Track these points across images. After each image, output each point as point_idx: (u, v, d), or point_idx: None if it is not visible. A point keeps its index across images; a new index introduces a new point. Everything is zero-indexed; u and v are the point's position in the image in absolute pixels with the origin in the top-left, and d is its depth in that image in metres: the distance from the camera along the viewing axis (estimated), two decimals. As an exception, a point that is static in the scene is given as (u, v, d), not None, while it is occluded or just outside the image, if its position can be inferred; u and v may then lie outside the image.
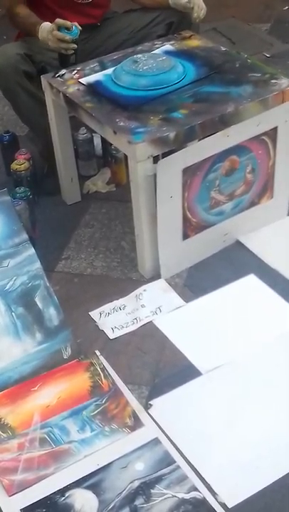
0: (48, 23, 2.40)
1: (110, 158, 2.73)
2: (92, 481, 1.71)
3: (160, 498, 1.66)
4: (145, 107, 2.19)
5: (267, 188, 2.38)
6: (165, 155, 2.10)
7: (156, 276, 2.29)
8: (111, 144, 2.59)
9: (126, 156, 2.36)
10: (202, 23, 2.79)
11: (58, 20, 2.36)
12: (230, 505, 1.64)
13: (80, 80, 2.36)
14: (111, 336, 2.11)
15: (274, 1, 4.20)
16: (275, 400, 1.87)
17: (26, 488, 1.71)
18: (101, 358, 2.02)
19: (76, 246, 2.49)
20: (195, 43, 2.53)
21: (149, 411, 1.87)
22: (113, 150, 2.68)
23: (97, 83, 2.33)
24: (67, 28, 2.36)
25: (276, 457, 1.73)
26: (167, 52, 2.44)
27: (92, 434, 1.82)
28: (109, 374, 1.97)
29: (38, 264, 2.10)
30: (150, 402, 1.89)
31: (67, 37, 2.36)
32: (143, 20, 2.65)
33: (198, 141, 2.19)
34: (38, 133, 2.66)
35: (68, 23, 2.35)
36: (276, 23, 3.96)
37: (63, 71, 2.42)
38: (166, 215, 2.16)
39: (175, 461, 1.73)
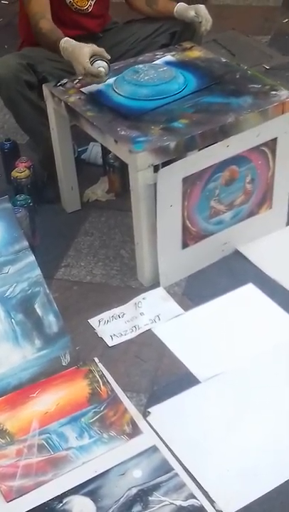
0: (68, 39, 2.30)
1: (108, 167, 2.74)
2: (90, 488, 1.71)
3: (158, 506, 1.66)
4: (146, 116, 2.21)
5: (266, 198, 2.40)
6: (165, 164, 2.12)
7: (155, 284, 2.30)
8: (108, 153, 2.61)
9: (123, 166, 2.37)
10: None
11: (95, 49, 2.26)
12: (227, 513, 1.64)
13: (81, 89, 2.37)
14: (110, 343, 2.12)
15: (274, 13, 4.23)
16: (273, 408, 1.88)
17: (24, 494, 1.72)
18: (100, 365, 2.03)
19: (76, 254, 2.50)
20: (196, 54, 2.56)
21: (148, 418, 1.87)
22: (110, 159, 2.69)
23: (99, 92, 2.34)
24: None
25: (274, 465, 1.74)
26: (168, 63, 2.46)
27: (90, 441, 1.82)
28: (107, 381, 1.98)
29: (38, 271, 2.11)
30: (148, 410, 1.90)
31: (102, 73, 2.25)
32: (146, 30, 2.67)
33: (199, 150, 2.20)
34: (39, 142, 2.67)
35: (105, 54, 2.27)
36: (276, 36, 3.99)
37: (65, 80, 2.43)
38: (165, 224, 2.17)
39: (173, 469, 1.73)
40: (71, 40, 2.31)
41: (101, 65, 2.24)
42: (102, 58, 2.25)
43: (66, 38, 2.32)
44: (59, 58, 2.55)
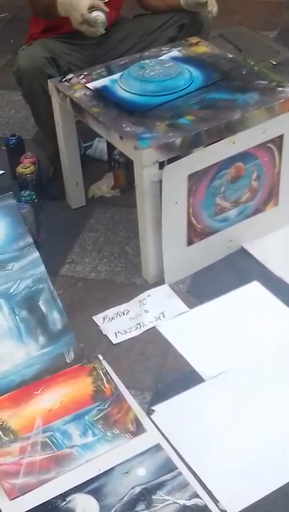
0: None
1: (113, 163, 2.73)
2: (93, 486, 1.71)
3: (161, 505, 1.65)
4: (152, 112, 2.19)
5: (272, 196, 2.39)
6: (171, 161, 2.11)
7: (160, 281, 2.29)
8: (114, 149, 2.60)
9: (128, 162, 2.36)
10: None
11: (94, 1, 2.31)
12: (231, 513, 1.64)
13: (86, 85, 2.36)
14: (114, 340, 2.11)
15: (281, 8, 4.20)
16: (278, 407, 1.87)
17: (28, 492, 1.71)
18: (104, 362, 2.02)
19: (80, 250, 2.49)
20: (202, 49, 2.54)
21: (152, 417, 1.86)
22: (116, 155, 2.68)
23: (104, 88, 2.33)
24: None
25: (278, 464, 1.73)
26: (174, 59, 2.44)
27: (94, 438, 1.82)
28: (111, 379, 1.97)
29: (42, 268, 2.10)
30: (152, 408, 1.89)
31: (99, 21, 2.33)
32: (154, 24, 2.64)
33: (204, 147, 2.19)
34: (51, 137, 2.64)
35: (103, 6, 2.34)
36: (283, 31, 3.96)
37: (70, 75, 2.42)
38: (170, 221, 2.16)
39: (177, 468, 1.73)
40: None
41: (98, 15, 2.31)
42: (101, 10, 2.32)
43: None
44: (74, 53, 2.54)
